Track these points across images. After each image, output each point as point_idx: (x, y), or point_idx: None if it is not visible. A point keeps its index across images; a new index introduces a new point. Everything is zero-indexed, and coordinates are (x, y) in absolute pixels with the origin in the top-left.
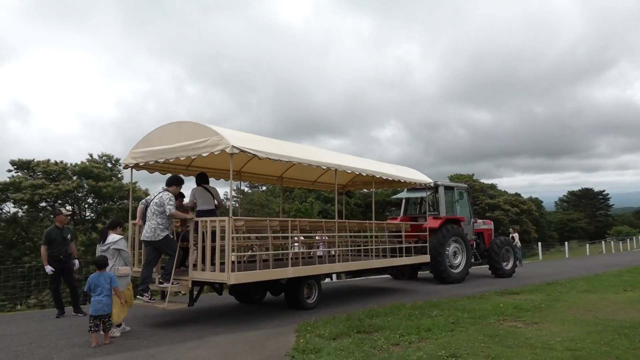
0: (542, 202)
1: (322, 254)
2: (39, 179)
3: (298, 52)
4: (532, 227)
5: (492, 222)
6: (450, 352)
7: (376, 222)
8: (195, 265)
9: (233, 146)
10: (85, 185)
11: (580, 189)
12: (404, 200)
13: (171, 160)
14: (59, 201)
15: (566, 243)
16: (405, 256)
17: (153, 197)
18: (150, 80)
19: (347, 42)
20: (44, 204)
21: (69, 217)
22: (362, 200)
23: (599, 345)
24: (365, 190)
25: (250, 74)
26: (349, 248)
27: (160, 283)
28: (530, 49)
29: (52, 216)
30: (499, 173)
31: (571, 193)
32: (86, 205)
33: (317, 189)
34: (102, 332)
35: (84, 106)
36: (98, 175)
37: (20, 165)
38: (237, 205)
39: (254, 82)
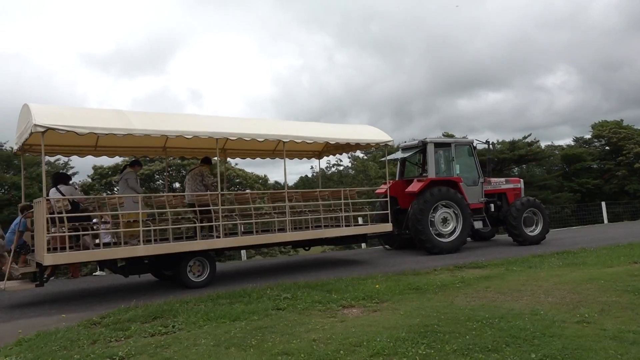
0: None
1: (101, 240)
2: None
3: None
4: None
5: (520, 180)
6: (159, 346)
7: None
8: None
9: (35, 124)
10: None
11: None
12: (399, 162)
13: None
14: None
15: None
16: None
17: None
18: (302, 53)
19: None
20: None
21: None
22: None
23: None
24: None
25: (401, 33)
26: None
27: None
28: None
29: None
30: None
31: None
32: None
33: (261, 157)
34: None
35: (245, 86)
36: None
37: None
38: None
39: (405, 41)
